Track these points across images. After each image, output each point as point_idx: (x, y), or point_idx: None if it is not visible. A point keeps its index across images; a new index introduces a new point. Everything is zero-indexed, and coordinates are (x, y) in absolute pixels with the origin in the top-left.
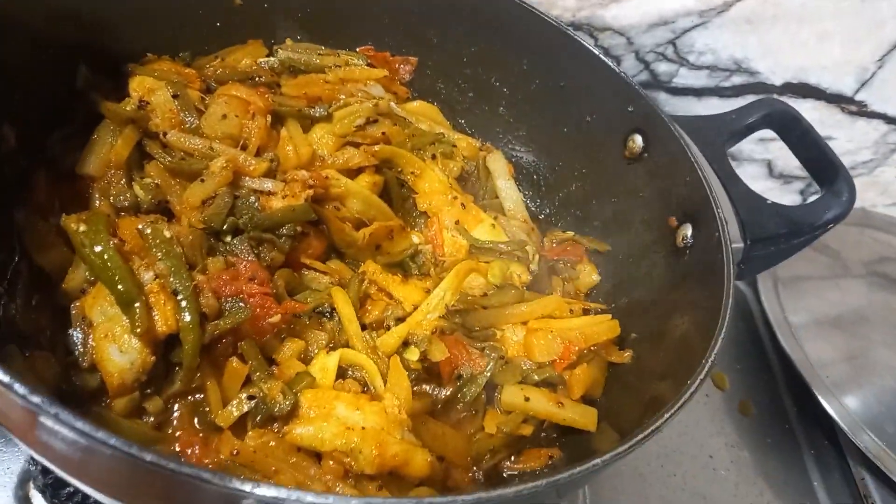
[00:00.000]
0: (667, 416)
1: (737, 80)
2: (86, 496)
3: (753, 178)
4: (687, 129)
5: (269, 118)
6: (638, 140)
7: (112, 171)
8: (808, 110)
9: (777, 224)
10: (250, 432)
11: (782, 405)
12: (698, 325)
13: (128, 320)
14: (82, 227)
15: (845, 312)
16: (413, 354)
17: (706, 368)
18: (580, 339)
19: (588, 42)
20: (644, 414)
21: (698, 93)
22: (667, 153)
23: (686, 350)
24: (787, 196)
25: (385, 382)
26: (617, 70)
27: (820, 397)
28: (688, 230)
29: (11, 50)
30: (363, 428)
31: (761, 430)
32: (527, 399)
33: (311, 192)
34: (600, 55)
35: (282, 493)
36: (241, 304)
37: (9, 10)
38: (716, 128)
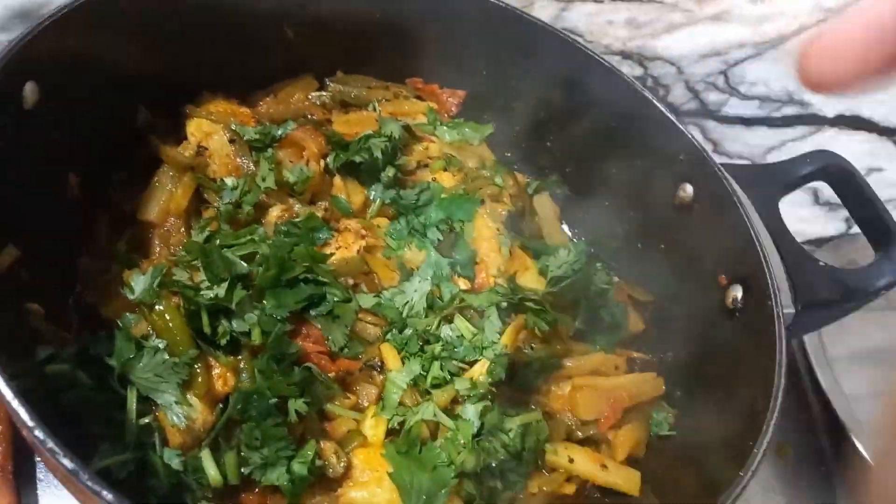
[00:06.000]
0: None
1: (788, 111)
2: None
3: (797, 205)
4: (739, 178)
5: (322, 163)
6: (688, 189)
7: (172, 219)
8: (860, 143)
9: (830, 289)
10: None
11: (820, 446)
12: (748, 393)
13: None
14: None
15: (888, 346)
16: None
17: (761, 452)
18: (625, 397)
19: (638, 71)
20: (694, 482)
21: (747, 122)
22: (718, 209)
23: (737, 418)
24: (831, 224)
25: None
26: (670, 116)
27: (856, 440)
28: (738, 292)
29: (80, 90)
30: None
31: (797, 472)
32: (571, 460)
33: (363, 242)
34: (653, 100)
35: None
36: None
37: (83, 46)
38: (769, 178)
